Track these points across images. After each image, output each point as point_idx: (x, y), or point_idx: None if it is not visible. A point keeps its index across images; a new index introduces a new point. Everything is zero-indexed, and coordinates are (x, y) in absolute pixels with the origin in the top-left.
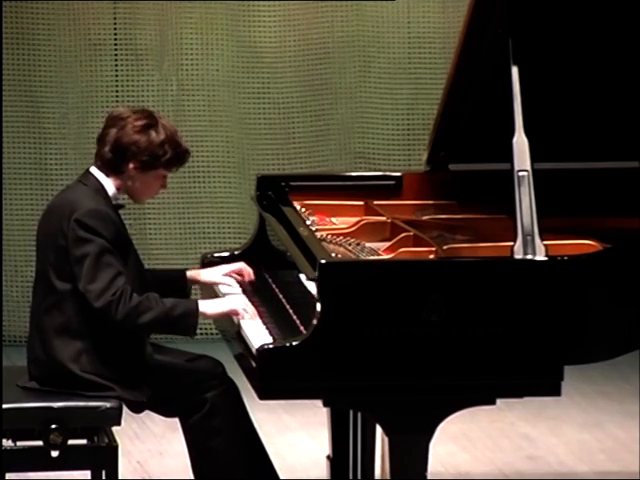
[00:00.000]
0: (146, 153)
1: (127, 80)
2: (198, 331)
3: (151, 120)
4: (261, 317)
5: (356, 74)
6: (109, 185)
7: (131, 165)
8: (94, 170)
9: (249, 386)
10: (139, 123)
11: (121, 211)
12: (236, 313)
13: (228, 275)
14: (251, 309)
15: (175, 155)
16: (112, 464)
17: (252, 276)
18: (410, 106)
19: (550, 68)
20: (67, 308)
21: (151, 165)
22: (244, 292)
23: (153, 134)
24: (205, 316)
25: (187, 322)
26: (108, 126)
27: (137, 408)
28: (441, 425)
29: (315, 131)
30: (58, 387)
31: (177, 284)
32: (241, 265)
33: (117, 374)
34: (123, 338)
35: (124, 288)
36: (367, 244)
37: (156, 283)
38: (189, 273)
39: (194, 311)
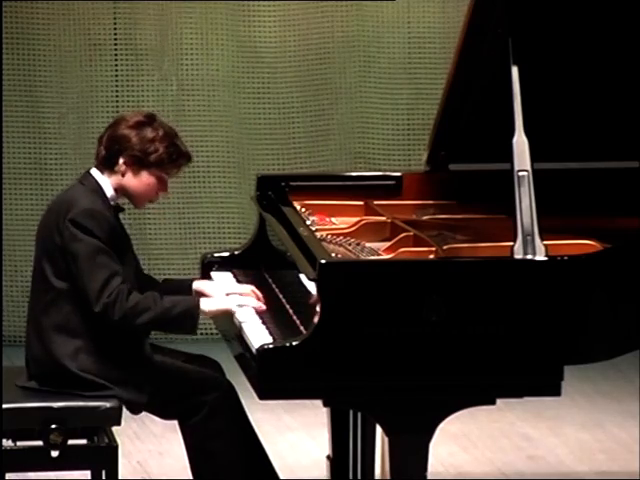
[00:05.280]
0: (136, 148)
1: (127, 80)
2: (198, 331)
3: (147, 119)
4: (261, 317)
5: (356, 74)
6: (107, 186)
7: (121, 160)
8: (93, 171)
9: (249, 386)
10: (134, 119)
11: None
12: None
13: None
14: (254, 301)
15: (167, 155)
16: (112, 464)
17: (262, 304)
18: (410, 106)
19: (550, 68)
20: (64, 306)
21: (141, 162)
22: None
23: (145, 130)
24: (205, 314)
25: (187, 321)
26: (108, 127)
27: (136, 408)
28: (441, 425)
29: (315, 131)
30: (57, 385)
31: (182, 293)
32: (251, 288)
33: (115, 373)
34: (122, 337)
35: (120, 288)
36: (367, 244)
37: (164, 293)
38: (195, 284)
39: (194, 309)
